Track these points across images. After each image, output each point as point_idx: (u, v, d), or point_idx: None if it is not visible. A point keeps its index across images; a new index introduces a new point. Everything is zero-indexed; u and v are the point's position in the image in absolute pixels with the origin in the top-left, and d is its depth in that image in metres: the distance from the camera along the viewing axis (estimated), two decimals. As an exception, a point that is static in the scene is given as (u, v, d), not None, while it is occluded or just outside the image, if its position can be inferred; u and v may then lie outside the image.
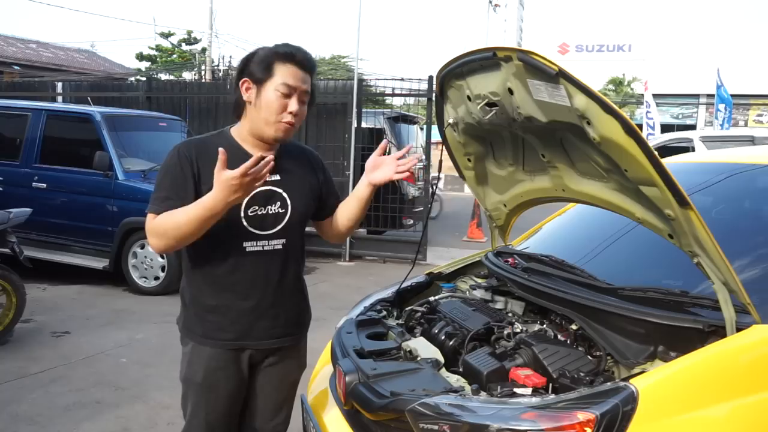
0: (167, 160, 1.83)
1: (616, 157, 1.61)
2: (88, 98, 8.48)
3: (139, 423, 3.30)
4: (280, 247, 1.87)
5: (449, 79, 2.10)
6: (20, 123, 6.65)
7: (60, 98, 10.56)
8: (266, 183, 1.83)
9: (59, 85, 11.07)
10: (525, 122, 1.86)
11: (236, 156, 1.81)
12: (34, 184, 6.38)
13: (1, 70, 17.40)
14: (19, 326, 4.60)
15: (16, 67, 18.61)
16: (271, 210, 1.86)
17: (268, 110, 1.79)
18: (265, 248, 1.85)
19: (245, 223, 1.81)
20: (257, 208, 1.83)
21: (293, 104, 1.79)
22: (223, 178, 1.61)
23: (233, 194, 1.63)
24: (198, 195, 1.77)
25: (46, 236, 6.34)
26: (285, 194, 1.88)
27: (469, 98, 2.05)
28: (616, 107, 1.50)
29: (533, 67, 1.62)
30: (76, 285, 6.24)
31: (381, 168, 1.94)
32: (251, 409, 2.01)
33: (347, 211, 2.04)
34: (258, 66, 1.79)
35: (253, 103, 1.81)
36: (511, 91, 1.80)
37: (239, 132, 1.88)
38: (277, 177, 1.88)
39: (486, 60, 1.83)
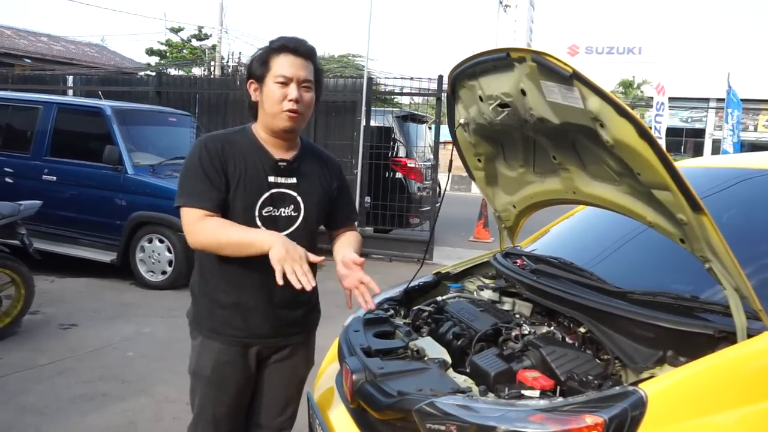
0: (195, 154, 1.83)
1: (629, 161, 1.61)
2: (99, 92, 8.51)
3: (145, 416, 3.31)
4: None
5: (461, 79, 2.10)
6: (31, 116, 6.69)
7: (70, 92, 10.60)
8: (281, 186, 1.87)
9: (70, 78, 11.11)
10: (537, 124, 1.86)
11: (256, 152, 1.87)
12: (44, 176, 6.42)
13: (12, 63, 17.47)
14: (27, 318, 4.63)
15: (27, 60, 18.70)
16: (284, 212, 1.88)
17: (270, 102, 1.82)
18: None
19: (259, 223, 1.84)
20: (271, 209, 1.86)
21: (292, 91, 1.80)
22: (300, 249, 1.68)
23: (281, 252, 1.64)
24: (226, 190, 1.81)
25: (55, 229, 6.37)
26: (299, 198, 1.90)
27: (481, 99, 2.04)
28: (630, 110, 1.49)
29: (547, 69, 1.62)
30: (84, 278, 6.27)
31: (349, 273, 1.83)
32: (258, 406, 2.01)
33: (337, 252, 1.99)
34: (257, 64, 1.84)
35: (260, 101, 1.86)
36: (523, 92, 1.79)
37: (258, 131, 1.91)
38: (293, 180, 1.90)
39: (499, 60, 1.82)
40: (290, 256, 1.64)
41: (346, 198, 2.11)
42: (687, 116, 28.33)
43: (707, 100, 26.72)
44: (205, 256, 1.89)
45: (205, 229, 1.77)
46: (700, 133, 28.20)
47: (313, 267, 2.04)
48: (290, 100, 1.80)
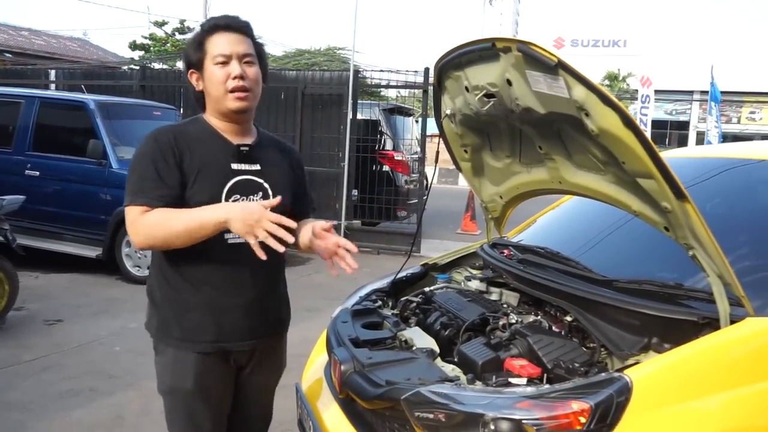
0: (144, 148, 1.71)
1: (614, 150, 1.62)
2: (82, 86, 8.42)
3: (133, 411, 3.29)
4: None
5: (447, 69, 2.10)
6: (13, 110, 6.60)
7: (53, 86, 10.47)
8: (246, 172, 1.77)
9: (52, 72, 10.99)
10: (523, 114, 1.86)
11: (214, 140, 1.77)
12: (27, 171, 6.34)
13: (-8, 58, 17.23)
14: (11, 314, 4.59)
15: (7, 55, 18.42)
16: (253, 200, 1.75)
17: (214, 85, 1.72)
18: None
19: (262, 201, 1.72)
20: (238, 197, 1.74)
21: (234, 68, 1.70)
22: (254, 204, 1.57)
23: (243, 222, 1.53)
24: (183, 184, 1.68)
25: (39, 224, 6.31)
26: (266, 184, 1.80)
27: (467, 89, 2.05)
28: (615, 99, 1.50)
29: (532, 58, 1.62)
30: (69, 273, 6.21)
31: (324, 242, 1.78)
32: (238, 412, 1.91)
33: (304, 230, 1.87)
34: (191, 51, 1.75)
35: (205, 89, 1.76)
36: (509, 82, 1.79)
37: (210, 119, 1.81)
38: (257, 166, 1.80)
39: (485, 51, 1.82)
40: (254, 219, 1.52)
41: (306, 190, 2.00)
42: (671, 109, 28.58)
43: (691, 92, 26.98)
44: (162, 255, 1.75)
45: (146, 223, 1.63)
46: (684, 125, 28.49)
47: (283, 260, 1.89)
48: (234, 78, 1.70)
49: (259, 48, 1.81)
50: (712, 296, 1.58)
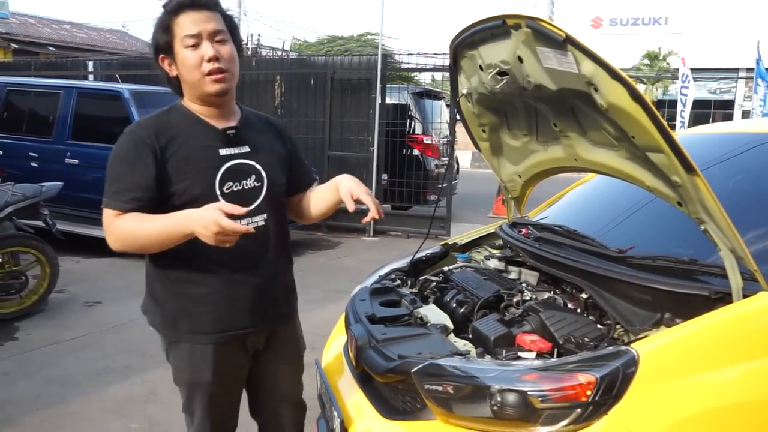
0: (121, 146, 1.64)
1: (623, 124, 1.61)
2: (116, 76, 8.62)
3: (165, 387, 3.40)
4: (262, 223, 1.73)
5: (462, 48, 2.10)
6: (52, 101, 6.81)
7: (91, 77, 10.75)
8: (236, 156, 1.71)
9: (90, 64, 11.27)
10: (535, 91, 1.86)
11: (197, 127, 1.70)
12: (66, 160, 6.55)
13: (36, 52, 17.75)
14: (53, 296, 4.78)
15: (51, 48, 18.93)
16: (247, 185, 1.72)
17: (188, 70, 1.63)
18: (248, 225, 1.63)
19: (223, 202, 1.60)
20: (232, 184, 1.69)
21: (207, 50, 1.61)
22: (214, 214, 1.46)
23: (209, 231, 1.46)
24: (163, 176, 1.61)
25: (80, 211, 6.50)
26: (258, 166, 1.74)
27: (481, 68, 2.05)
28: (622, 73, 1.49)
29: (542, 34, 1.62)
30: (108, 258, 6.39)
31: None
32: (268, 400, 1.94)
33: (320, 202, 1.89)
34: (159, 35, 1.65)
35: (179, 74, 1.68)
36: (520, 59, 1.80)
37: (190, 105, 1.73)
38: (246, 149, 1.74)
39: (496, 28, 1.83)
40: (213, 232, 1.46)
41: (300, 159, 1.96)
42: (715, 87, 27.64)
43: (736, 70, 25.99)
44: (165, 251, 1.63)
45: (119, 229, 1.59)
46: (729, 104, 27.51)
47: (287, 241, 1.88)
48: (209, 60, 1.61)
49: (230, 22, 1.71)
50: (725, 271, 1.57)
